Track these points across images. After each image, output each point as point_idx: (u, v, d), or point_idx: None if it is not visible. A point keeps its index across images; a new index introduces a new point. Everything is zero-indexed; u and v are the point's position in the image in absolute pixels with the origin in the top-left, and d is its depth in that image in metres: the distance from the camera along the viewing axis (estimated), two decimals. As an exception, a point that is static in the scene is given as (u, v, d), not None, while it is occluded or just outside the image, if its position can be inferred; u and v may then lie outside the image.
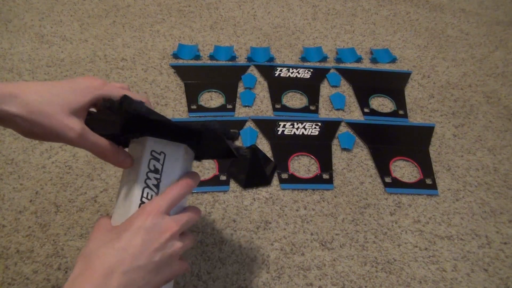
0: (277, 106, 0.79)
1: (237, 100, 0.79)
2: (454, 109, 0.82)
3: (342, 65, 0.89)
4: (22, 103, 0.33)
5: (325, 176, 0.68)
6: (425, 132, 0.77)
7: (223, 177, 0.66)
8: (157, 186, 0.39)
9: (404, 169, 0.70)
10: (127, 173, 0.41)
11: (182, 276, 0.54)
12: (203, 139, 0.38)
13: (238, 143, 0.71)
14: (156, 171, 0.39)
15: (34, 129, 0.33)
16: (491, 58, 0.95)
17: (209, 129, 0.36)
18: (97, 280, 0.31)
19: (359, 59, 0.91)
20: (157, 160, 0.39)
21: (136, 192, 0.39)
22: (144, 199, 0.39)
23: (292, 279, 0.56)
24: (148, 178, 0.39)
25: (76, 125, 0.35)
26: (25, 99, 0.33)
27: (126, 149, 0.42)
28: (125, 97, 0.35)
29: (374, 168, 0.70)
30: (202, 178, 0.66)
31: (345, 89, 0.84)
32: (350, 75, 0.87)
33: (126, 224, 0.36)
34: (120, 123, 0.36)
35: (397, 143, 0.74)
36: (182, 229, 0.38)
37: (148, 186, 0.39)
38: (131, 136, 0.40)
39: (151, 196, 0.39)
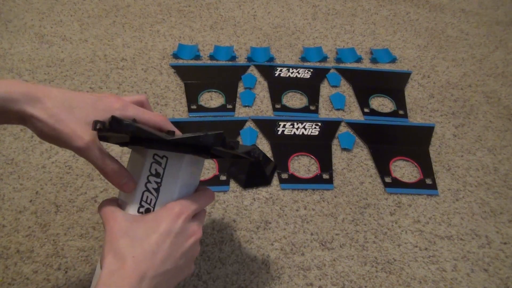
0: (277, 106, 0.79)
1: (237, 100, 0.79)
2: (454, 109, 0.82)
3: (342, 65, 0.89)
4: (43, 107, 0.35)
5: (325, 176, 0.68)
6: (425, 132, 0.77)
7: (223, 177, 0.66)
8: (157, 190, 0.39)
9: (404, 169, 0.70)
10: None
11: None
12: (203, 150, 0.38)
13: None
14: (157, 175, 0.39)
15: (48, 132, 0.35)
16: (491, 58, 0.95)
17: (203, 144, 0.36)
18: (132, 284, 0.32)
19: (359, 59, 0.91)
20: (159, 164, 0.39)
21: (136, 196, 0.39)
22: (143, 203, 0.38)
23: (292, 279, 0.56)
24: (149, 181, 0.38)
25: (85, 135, 0.35)
26: (47, 104, 0.35)
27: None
28: (113, 119, 0.35)
29: (374, 168, 0.70)
30: (202, 178, 0.66)
31: (345, 89, 0.84)
32: (350, 75, 0.87)
33: (153, 222, 0.36)
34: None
35: (397, 143, 0.74)
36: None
37: (148, 190, 0.39)
38: (138, 146, 0.40)
39: (151, 200, 0.39)
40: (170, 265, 0.35)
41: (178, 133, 0.40)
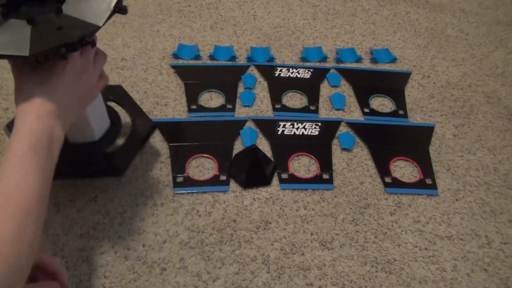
0: (277, 106, 0.79)
1: (237, 100, 0.79)
2: (454, 109, 0.82)
3: (342, 65, 0.89)
4: None
5: (325, 176, 0.68)
6: (425, 132, 0.77)
7: (223, 177, 0.66)
8: None
9: (404, 169, 0.70)
10: None
11: (182, 276, 0.54)
12: None
13: (238, 143, 0.71)
14: None
15: None
16: (491, 58, 0.95)
17: None
18: (43, 115, 0.40)
19: (359, 59, 0.91)
20: None
21: None
22: None
23: (292, 279, 0.56)
24: None
25: None
26: None
27: None
28: None
29: (374, 168, 0.70)
30: (202, 178, 0.66)
31: (345, 89, 0.84)
32: (350, 75, 0.87)
33: (47, 70, 0.43)
34: None
35: (397, 143, 0.74)
36: (98, 72, 0.49)
37: None
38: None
39: None
40: (70, 98, 0.44)
41: None
